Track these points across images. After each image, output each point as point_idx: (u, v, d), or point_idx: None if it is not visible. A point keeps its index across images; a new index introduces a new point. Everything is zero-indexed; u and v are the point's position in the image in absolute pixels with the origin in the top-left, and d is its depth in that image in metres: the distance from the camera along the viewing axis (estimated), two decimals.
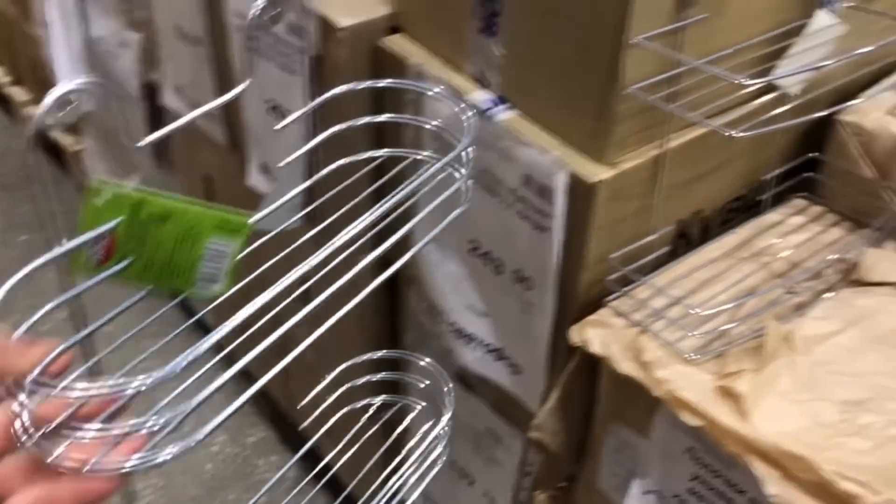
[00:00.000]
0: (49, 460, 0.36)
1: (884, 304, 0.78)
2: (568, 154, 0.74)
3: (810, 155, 0.93)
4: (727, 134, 0.61)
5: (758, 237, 0.87)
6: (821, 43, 0.80)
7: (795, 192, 0.95)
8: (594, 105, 0.71)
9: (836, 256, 0.83)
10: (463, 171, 0.55)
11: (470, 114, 0.57)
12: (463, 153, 0.54)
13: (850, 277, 0.81)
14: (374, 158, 0.64)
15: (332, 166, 0.60)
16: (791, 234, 0.88)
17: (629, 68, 0.68)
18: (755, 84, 0.60)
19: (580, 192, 0.73)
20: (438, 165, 0.54)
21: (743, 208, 0.94)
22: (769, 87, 0.81)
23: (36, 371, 0.36)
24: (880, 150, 0.88)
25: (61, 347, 0.38)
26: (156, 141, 0.45)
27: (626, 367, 0.72)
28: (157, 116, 1.36)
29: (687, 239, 0.89)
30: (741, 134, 0.61)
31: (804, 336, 0.75)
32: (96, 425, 0.37)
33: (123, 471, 0.36)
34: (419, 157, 0.65)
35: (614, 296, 0.78)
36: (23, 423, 0.36)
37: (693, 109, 0.73)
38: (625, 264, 0.77)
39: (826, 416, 0.68)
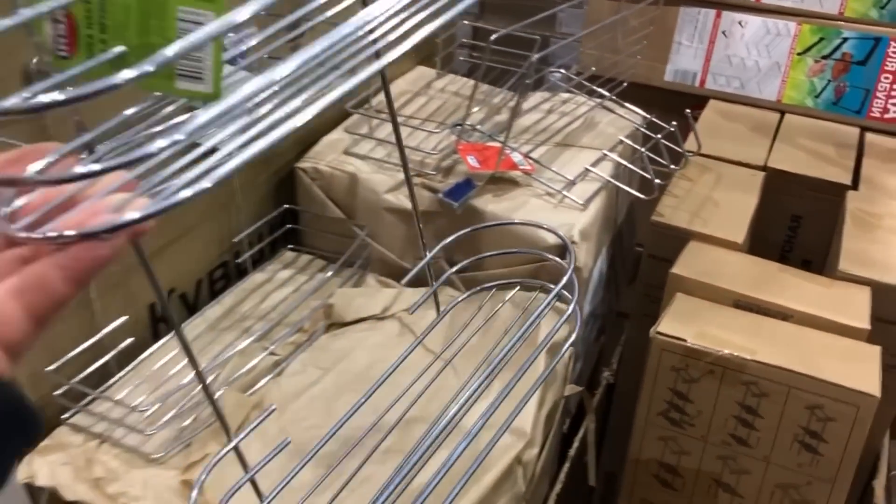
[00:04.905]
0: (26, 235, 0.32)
1: (360, 340, 0.78)
2: None
3: (285, 206, 0.93)
4: None
5: (242, 303, 0.84)
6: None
7: (285, 244, 0.94)
8: None
9: (317, 304, 0.82)
10: None
11: None
12: None
13: (329, 322, 0.81)
14: None
15: None
16: (275, 290, 0.86)
17: None
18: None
19: None
20: None
21: (233, 274, 0.91)
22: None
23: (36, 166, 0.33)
24: (340, 190, 0.89)
25: (63, 149, 0.34)
26: None
27: (78, 490, 0.63)
28: None
29: (168, 322, 0.83)
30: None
31: (279, 396, 0.72)
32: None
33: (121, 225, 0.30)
34: None
35: (71, 412, 0.69)
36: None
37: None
38: (74, 374, 0.69)
39: (304, 478, 0.64)
